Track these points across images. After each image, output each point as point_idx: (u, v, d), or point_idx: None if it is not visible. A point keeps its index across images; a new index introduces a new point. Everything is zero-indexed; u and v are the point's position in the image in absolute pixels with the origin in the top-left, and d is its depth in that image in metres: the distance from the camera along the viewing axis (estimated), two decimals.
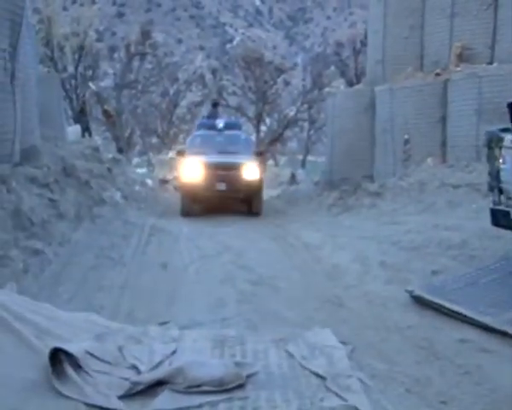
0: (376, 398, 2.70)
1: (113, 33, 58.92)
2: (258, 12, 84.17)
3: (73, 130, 14.58)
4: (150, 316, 4.15)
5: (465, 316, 4.13)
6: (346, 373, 2.86)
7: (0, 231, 5.39)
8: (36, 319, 2.95)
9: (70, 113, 20.34)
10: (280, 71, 28.13)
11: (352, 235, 7.53)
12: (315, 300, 4.80)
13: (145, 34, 26.28)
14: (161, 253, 6.67)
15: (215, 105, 14.67)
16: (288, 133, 29.74)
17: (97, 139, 17.26)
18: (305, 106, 27.76)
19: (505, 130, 5.11)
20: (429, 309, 4.42)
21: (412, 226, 7.40)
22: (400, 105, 11.37)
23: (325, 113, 16.94)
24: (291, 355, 3.08)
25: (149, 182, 16.06)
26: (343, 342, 3.35)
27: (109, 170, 10.97)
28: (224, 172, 10.19)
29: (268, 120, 29.73)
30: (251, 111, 27.90)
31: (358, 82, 20.19)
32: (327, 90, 22.71)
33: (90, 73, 22.62)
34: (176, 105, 30.96)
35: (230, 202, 10.75)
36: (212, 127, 11.64)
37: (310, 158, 29.40)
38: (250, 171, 10.37)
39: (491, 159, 5.26)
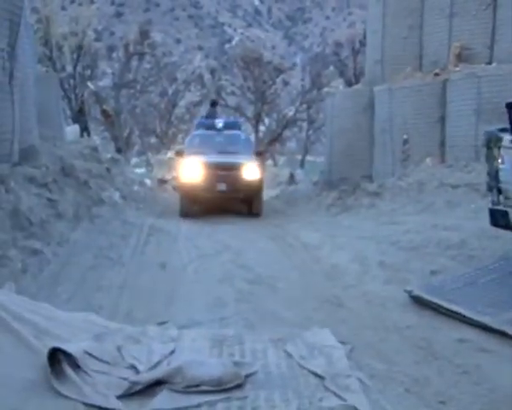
0: (375, 398, 2.70)
1: (112, 33, 58.87)
2: (257, 12, 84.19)
3: (72, 130, 14.56)
4: (149, 316, 4.15)
5: (464, 316, 4.13)
6: (344, 373, 2.86)
7: None
8: (35, 319, 2.95)
9: (68, 112, 20.30)
10: (279, 71, 28.08)
11: (350, 235, 7.53)
12: (314, 300, 4.80)
13: (144, 34, 26.22)
14: (160, 253, 6.66)
15: (214, 104, 14.43)
16: (286, 133, 29.68)
17: (96, 139, 17.20)
18: (304, 106, 27.72)
19: (504, 130, 5.11)
20: (428, 309, 4.43)
21: (411, 226, 7.41)
22: (399, 105, 11.37)
23: (324, 113, 16.94)
24: (290, 355, 3.08)
25: (148, 182, 16.07)
26: (342, 342, 3.36)
27: (108, 170, 10.95)
28: (224, 172, 10.01)
29: (267, 120, 29.67)
30: (250, 111, 27.85)
31: (357, 82, 20.16)
32: (326, 90, 22.75)
33: (88, 72, 22.58)
34: (174, 105, 30.91)
35: (230, 202, 10.60)
36: (212, 127, 11.47)
37: (309, 158, 29.40)
38: (250, 171, 10.22)
39: (490, 159, 5.26)
